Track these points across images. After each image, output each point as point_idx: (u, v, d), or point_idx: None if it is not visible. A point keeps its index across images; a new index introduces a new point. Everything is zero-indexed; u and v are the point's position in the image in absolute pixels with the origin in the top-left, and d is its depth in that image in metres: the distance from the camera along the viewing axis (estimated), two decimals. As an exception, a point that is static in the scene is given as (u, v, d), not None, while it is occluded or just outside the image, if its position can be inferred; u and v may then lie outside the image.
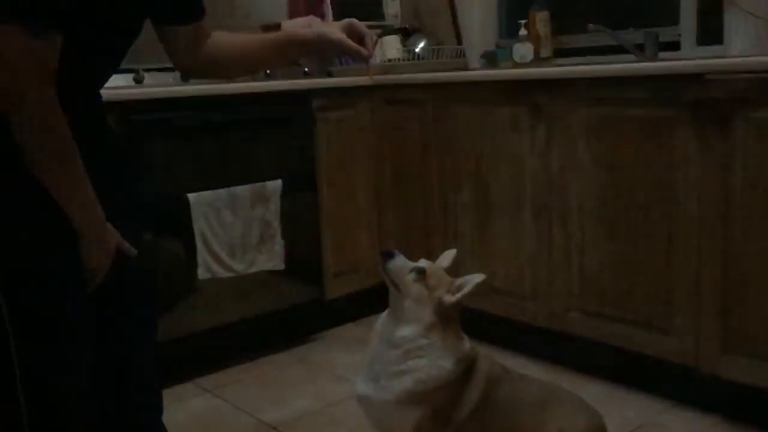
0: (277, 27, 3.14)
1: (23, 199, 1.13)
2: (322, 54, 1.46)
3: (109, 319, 1.28)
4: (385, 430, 1.65)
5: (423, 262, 1.64)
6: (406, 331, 1.58)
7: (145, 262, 1.39)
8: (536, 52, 3.15)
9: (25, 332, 1.13)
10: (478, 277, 1.59)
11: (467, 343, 1.65)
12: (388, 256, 1.63)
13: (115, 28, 1.23)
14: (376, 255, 1.68)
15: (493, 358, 1.71)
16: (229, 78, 2.42)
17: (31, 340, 1.14)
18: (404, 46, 3.31)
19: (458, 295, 1.58)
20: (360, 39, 1.42)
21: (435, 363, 1.56)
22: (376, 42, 1.47)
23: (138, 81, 2.80)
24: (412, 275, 1.60)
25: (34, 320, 1.14)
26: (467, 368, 1.61)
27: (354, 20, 1.45)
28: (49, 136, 1.09)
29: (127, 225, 1.28)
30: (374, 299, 2.30)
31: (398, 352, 1.58)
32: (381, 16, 3.49)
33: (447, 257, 1.71)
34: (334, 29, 1.43)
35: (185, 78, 2.44)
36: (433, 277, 1.60)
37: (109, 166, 1.27)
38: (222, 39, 1.47)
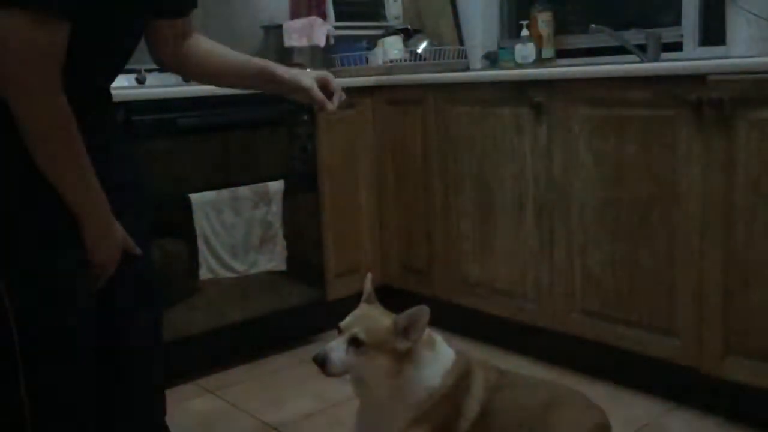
0: (278, 28, 3.17)
1: (26, 196, 1.13)
2: (291, 95, 1.55)
3: (113, 319, 1.28)
4: None
5: (349, 328, 1.53)
6: (384, 391, 1.56)
7: (149, 261, 1.39)
8: (538, 52, 3.16)
9: (28, 332, 1.13)
10: (423, 312, 1.52)
11: (451, 354, 1.63)
12: (322, 359, 1.50)
13: (117, 20, 1.22)
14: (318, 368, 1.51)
15: (487, 363, 1.70)
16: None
17: (35, 341, 1.14)
18: (406, 46, 3.31)
19: (413, 338, 1.53)
20: (330, 93, 1.50)
21: (423, 384, 1.56)
22: (343, 100, 1.54)
23: (140, 81, 2.81)
24: (351, 351, 1.51)
25: (38, 320, 1.14)
26: (461, 378, 1.60)
27: (329, 75, 1.53)
28: (54, 126, 1.09)
29: (133, 225, 1.28)
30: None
31: (390, 403, 1.57)
32: (383, 16, 3.48)
33: (367, 284, 1.65)
34: (307, 76, 1.49)
35: (186, 78, 2.44)
36: (372, 335, 1.52)
37: (114, 165, 1.27)
38: (208, 48, 1.49)
